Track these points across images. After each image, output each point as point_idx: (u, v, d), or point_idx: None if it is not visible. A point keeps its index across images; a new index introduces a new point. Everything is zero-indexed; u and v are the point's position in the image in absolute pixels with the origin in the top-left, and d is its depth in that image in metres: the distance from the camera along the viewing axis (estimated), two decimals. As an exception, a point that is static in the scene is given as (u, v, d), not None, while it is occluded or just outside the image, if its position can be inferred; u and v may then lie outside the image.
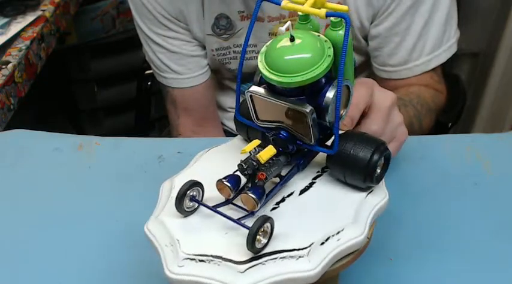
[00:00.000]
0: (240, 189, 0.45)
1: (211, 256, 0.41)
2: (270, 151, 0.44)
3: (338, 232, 0.42)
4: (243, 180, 0.45)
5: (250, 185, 0.44)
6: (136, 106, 1.37)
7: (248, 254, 0.41)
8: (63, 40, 1.45)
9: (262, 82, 0.45)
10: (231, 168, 0.47)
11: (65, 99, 1.68)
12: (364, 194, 0.46)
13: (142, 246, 0.59)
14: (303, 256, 0.41)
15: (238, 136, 0.54)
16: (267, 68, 0.43)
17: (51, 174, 0.69)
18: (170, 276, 0.41)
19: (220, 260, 0.41)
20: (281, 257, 0.41)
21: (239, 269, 0.40)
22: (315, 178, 0.48)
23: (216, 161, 0.51)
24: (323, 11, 0.41)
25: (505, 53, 1.51)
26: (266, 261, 0.41)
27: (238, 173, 0.45)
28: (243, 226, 0.42)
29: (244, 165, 0.44)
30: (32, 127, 0.77)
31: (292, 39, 0.42)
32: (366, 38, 0.91)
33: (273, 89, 0.44)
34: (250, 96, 0.45)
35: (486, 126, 1.62)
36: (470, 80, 1.65)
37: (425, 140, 0.75)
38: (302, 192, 0.47)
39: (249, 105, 0.46)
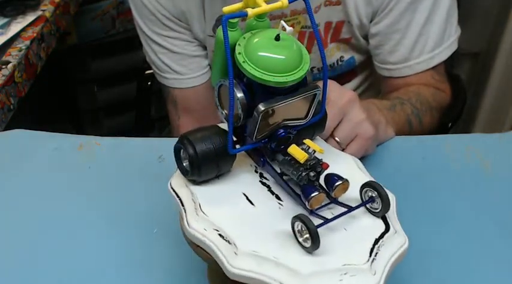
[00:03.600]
0: (307, 184, 0.45)
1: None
2: (313, 143, 0.45)
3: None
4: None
5: (318, 180, 0.45)
6: (136, 106, 1.37)
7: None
8: (63, 40, 1.45)
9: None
10: None
11: (65, 99, 1.68)
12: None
13: (142, 246, 0.59)
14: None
15: None
16: (267, 72, 0.43)
17: (51, 174, 0.69)
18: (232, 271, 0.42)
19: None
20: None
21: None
22: None
23: None
24: (285, 1, 0.42)
25: (505, 53, 1.51)
26: None
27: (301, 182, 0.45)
28: (369, 201, 0.45)
29: (307, 168, 0.44)
30: (32, 127, 0.77)
31: (277, 38, 0.43)
32: (365, 37, 0.91)
33: (274, 92, 0.44)
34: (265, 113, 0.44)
35: (486, 126, 1.62)
36: (470, 80, 1.65)
37: (426, 140, 0.75)
38: None
39: (256, 125, 0.45)
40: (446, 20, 0.88)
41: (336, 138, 0.63)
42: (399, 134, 0.76)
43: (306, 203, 0.43)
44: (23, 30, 1.02)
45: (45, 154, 0.72)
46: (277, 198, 0.47)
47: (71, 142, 0.74)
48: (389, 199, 0.44)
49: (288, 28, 0.42)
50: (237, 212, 0.46)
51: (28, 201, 0.65)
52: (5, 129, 0.85)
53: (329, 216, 0.44)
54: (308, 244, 0.42)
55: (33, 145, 0.74)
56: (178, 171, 0.49)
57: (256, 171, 0.50)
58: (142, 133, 1.36)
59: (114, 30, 1.56)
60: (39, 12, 1.08)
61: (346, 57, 0.95)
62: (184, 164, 0.48)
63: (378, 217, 0.46)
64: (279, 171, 0.48)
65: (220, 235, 0.43)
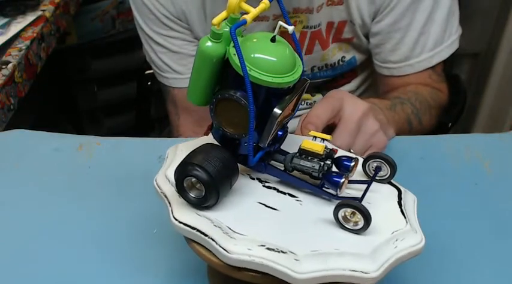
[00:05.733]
0: (328, 173, 0.47)
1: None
2: (320, 133, 0.48)
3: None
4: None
5: (333, 164, 0.48)
6: (136, 106, 1.37)
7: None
8: (63, 40, 1.45)
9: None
10: None
11: (65, 99, 1.68)
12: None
13: (142, 246, 0.59)
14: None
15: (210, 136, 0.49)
16: (274, 75, 0.43)
17: (51, 174, 0.69)
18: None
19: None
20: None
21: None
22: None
23: None
24: (267, 2, 0.44)
25: (505, 53, 1.52)
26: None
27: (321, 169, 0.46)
28: (378, 171, 0.49)
29: (323, 158, 0.46)
30: (32, 127, 0.77)
31: (273, 40, 0.43)
32: (366, 36, 0.91)
33: (275, 94, 0.44)
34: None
35: (486, 126, 1.62)
36: (470, 80, 1.65)
37: (425, 140, 0.75)
38: None
39: (272, 129, 0.44)
40: (447, 19, 0.88)
41: (351, 150, 0.64)
42: (399, 134, 0.76)
43: (338, 190, 0.45)
44: (23, 30, 1.02)
45: (45, 154, 0.72)
46: (291, 195, 0.48)
47: (71, 142, 0.74)
48: (395, 162, 0.47)
49: (290, 27, 0.42)
50: (269, 222, 0.45)
51: (28, 201, 0.65)
52: (5, 129, 0.85)
53: (348, 196, 0.46)
54: (359, 226, 0.43)
55: (33, 145, 0.74)
56: (178, 203, 0.46)
57: (252, 178, 0.49)
58: (142, 133, 1.36)
59: (114, 30, 1.56)
60: (39, 12, 1.08)
61: (348, 57, 0.95)
62: (193, 194, 0.45)
63: (385, 183, 0.49)
64: (282, 169, 0.48)
65: (269, 248, 0.42)
